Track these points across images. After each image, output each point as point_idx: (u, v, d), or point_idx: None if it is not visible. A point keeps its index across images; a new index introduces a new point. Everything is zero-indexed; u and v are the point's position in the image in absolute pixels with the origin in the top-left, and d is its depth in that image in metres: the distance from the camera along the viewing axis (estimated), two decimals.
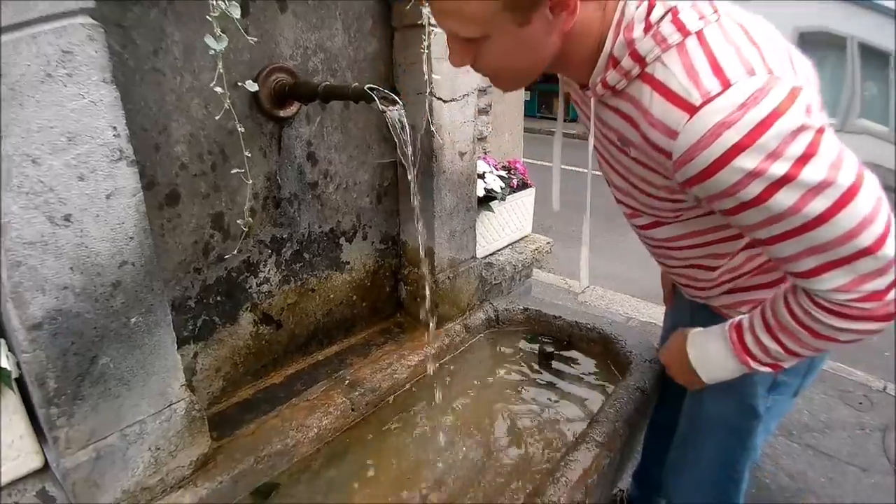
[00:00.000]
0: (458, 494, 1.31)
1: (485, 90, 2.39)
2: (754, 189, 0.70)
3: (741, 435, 1.16)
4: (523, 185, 2.31)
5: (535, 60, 0.80)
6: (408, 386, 1.63)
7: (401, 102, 1.13)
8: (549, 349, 1.79)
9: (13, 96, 0.83)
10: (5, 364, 0.92)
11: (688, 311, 1.24)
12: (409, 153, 1.15)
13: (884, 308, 0.76)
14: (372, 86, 1.15)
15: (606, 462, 1.28)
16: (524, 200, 2.30)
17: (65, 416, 0.97)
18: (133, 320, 1.04)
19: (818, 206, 0.70)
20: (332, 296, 1.71)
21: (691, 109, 0.69)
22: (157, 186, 1.20)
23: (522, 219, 2.33)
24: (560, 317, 1.88)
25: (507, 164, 2.37)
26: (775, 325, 0.90)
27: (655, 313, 3.65)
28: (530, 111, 14.74)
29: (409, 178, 1.21)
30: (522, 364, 1.79)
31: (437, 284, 1.80)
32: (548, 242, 2.39)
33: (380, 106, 1.09)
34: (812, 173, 0.68)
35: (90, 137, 0.92)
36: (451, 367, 1.76)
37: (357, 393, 1.51)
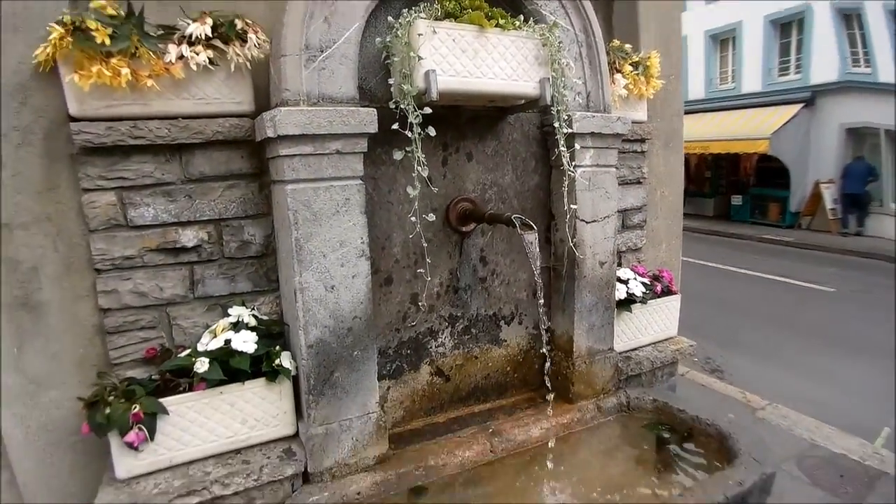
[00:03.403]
0: None
1: (640, 208, 2.79)
2: None
3: None
4: (668, 292, 2.61)
5: None
6: (538, 444, 2.03)
7: (535, 229, 1.67)
8: (667, 436, 2.03)
9: (315, 219, 1.59)
10: (288, 365, 1.64)
11: None
12: (538, 264, 1.67)
13: None
14: (517, 216, 1.72)
15: None
16: (668, 305, 2.59)
17: (315, 402, 1.65)
18: (355, 353, 1.70)
19: None
20: (490, 364, 2.23)
21: None
22: (379, 272, 1.91)
23: (666, 321, 2.60)
24: (684, 410, 2.11)
25: (657, 272, 2.70)
26: None
27: (851, 445, 3.35)
28: (741, 216, 13.95)
29: (536, 275, 1.72)
30: (641, 447, 2.05)
31: (574, 367, 2.20)
32: (690, 345, 2.60)
33: (518, 230, 1.64)
34: None
35: (349, 243, 1.64)
36: (579, 437, 2.10)
37: (497, 439, 1.97)
